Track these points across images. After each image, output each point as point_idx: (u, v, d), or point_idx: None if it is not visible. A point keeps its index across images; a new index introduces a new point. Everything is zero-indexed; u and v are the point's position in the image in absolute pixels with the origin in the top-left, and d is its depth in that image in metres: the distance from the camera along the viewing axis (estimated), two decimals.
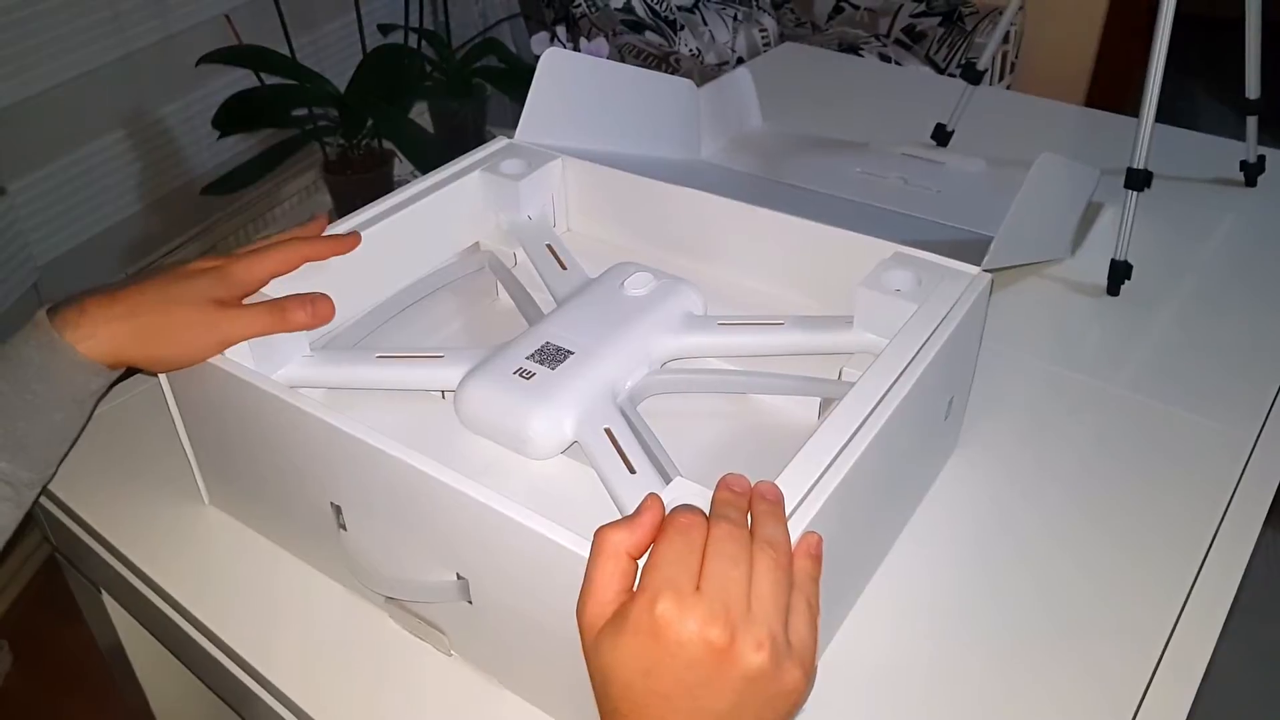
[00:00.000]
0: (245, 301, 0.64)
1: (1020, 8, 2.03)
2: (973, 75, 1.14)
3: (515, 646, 0.57)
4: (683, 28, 2.38)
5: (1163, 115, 0.93)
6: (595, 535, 0.45)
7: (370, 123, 1.81)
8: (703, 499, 0.48)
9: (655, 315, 0.68)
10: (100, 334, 0.59)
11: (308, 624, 0.65)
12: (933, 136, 1.17)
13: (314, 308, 0.65)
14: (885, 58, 2.28)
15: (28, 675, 1.55)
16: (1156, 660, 0.61)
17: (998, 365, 0.82)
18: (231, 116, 1.76)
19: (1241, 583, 0.66)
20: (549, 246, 0.78)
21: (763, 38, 2.46)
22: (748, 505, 0.47)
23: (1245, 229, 1.03)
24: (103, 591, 0.81)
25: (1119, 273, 0.92)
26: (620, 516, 0.47)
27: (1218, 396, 0.81)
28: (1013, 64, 2.38)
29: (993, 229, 0.68)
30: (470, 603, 0.56)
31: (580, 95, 0.86)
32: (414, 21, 1.92)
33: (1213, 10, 1.66)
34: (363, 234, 0.72)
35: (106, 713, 1.45)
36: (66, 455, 0.64)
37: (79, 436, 0.64)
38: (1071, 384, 0.83)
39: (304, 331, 0.66)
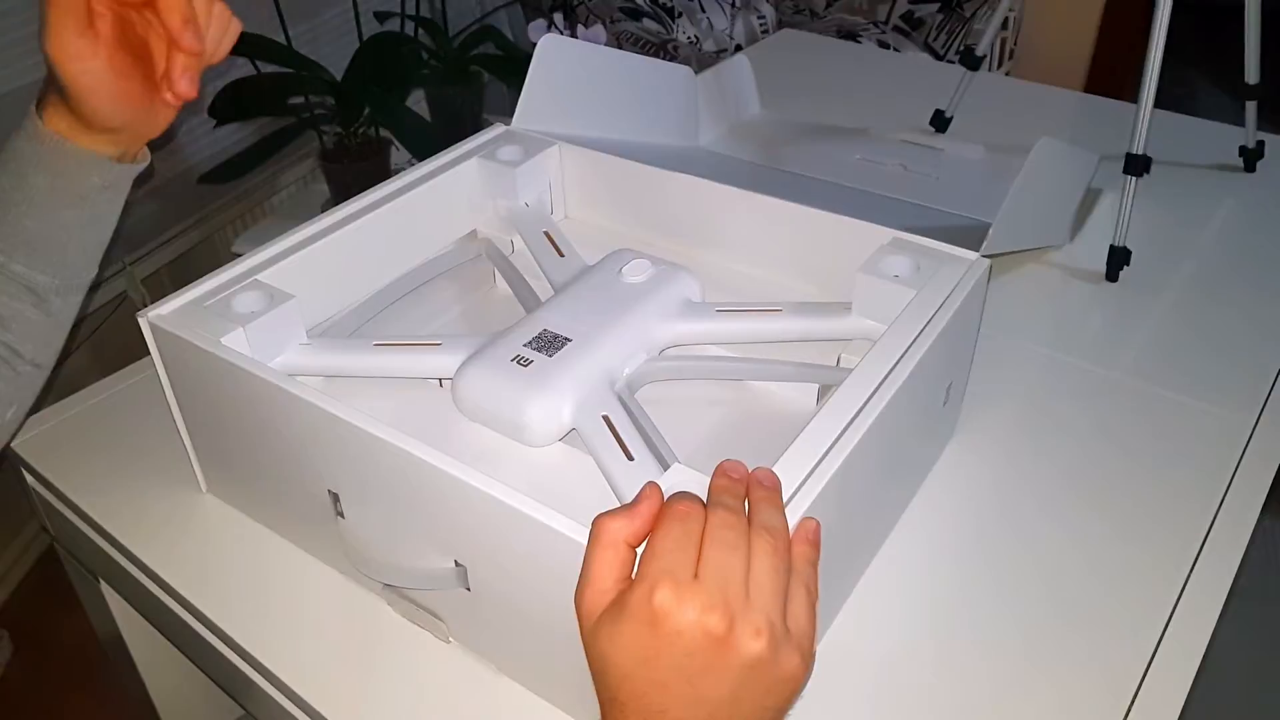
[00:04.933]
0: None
1: None
2: (971, 61, 1.13)
3: (514, 634, 0.57)
4: (680, 15, 2.37)
5: (1162, 101, 0.92)
6: (593, 523, 0.45)
7: (367, 111, 1.80)
8: (700, 486, 0.48)
9: (653, 302, 0.68)
10: (55, 110, 0.58)
11: (306, 612, 0.65)
12: (931, 123, 1.17)
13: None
14: (884, 44, 2.27)
15: (27, 665, 1.56)
16: (1155, 643, 0.61)
17: (996, 351, 0.82)
18: (228, 105, 1.75)
19: (1240, 567, 0.66)
20: (546, 233, 0.78)
21: (761, 25, 2.45)
22: (745, 492, 0.47)
23: (1244, 214, 1.03)
24: (101, 581, 0.81)
25: (1118, 258, 0.92)
26: (618, 504, 0.47)
27: (1216, 382, 0.81)
28: (1011, 50, 2.37)
29: (991, 215, 0.67)
30: (468, 590, 0.56)
31: (577, 82, 0.86)
32: (411, 9, 1.91)
33: None
34: (360, 222, 0.72)
35: (106, 702, 1.45)
36: (96, 270, 0.61)
37: (102, 247, 0.61)
38: (1070, 370, 0.83)
39: (301, 320, 0.66)
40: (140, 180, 0.67)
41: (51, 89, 0.60)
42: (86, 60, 0.59)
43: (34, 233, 0.58)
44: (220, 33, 0.62)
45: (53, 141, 0.57)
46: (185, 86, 0.61)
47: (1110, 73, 2.40)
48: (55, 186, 0.58)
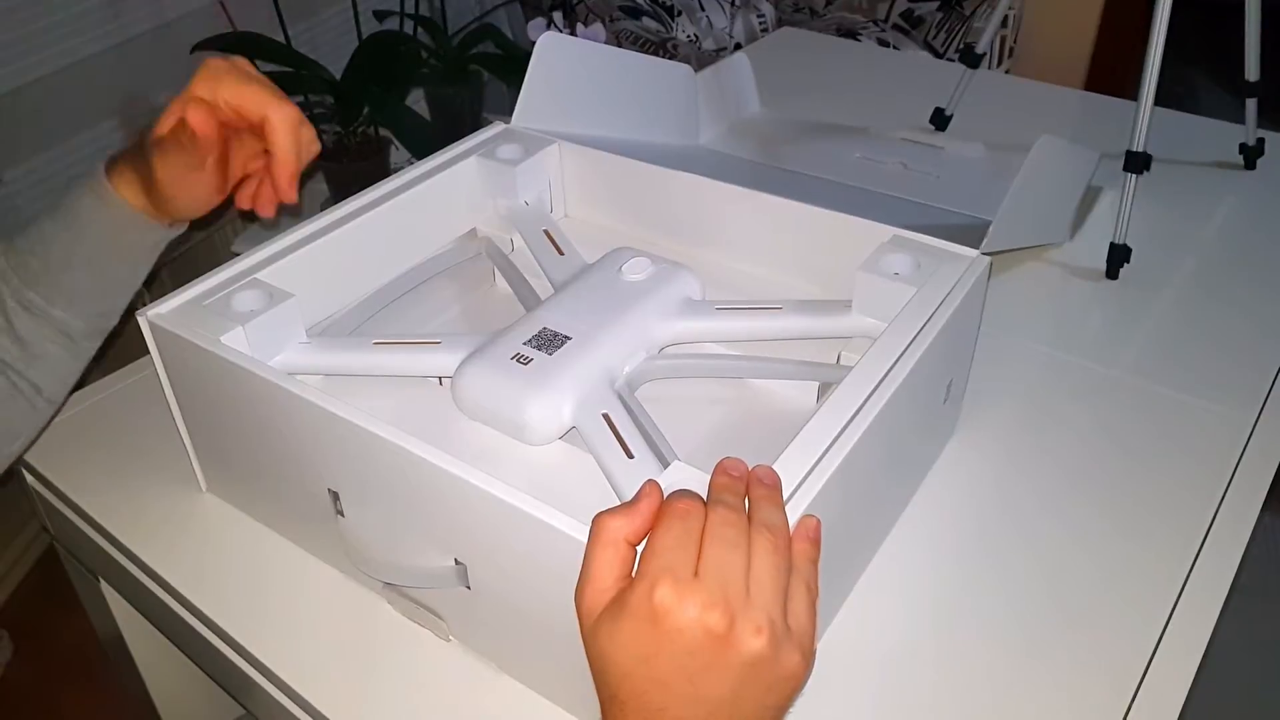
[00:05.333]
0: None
1: None
2: (971, 59, 1.13)
3: (514, 632, 0.57)
4: (680, 13, 2.37)
5: (1162, 99, 0.92)
6: (593, 521, 0.45)
7: (366, 110, 1.80)
8: (701, 484, 0.48)
9: (653, 300, 0.68)
10: (129, 180, 0.63)
11: (306, 610, 0.65)
12: (931, 121, 1.17)
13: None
14: (883, 43, 2.27)
15: (28, 665, 1.56)
16: (1156, 640, 0.61)
17: (997, 349, 0.82)
18: None
19: (1241, 564, 0.66)
20: (546, 232, 0.78)
21: (760, 23, 2.45)
22: (745, 490, 0.47)
23: (1244, 212, 1.03)
24: (101, 580, 0.81)
25: (1118, 256, 0.92)
26: (618, 502, 0.47)
27: (1217, 379, 0.81)
28: (1011, 48, 2.37)
29: (992, 213, 0.67)
30: (468, 588, 0.56)
31: (577, 81, 0.86)
32: (410, 8, 1.91)
33: None
34: (359, 220, 0.72)
35: (106, 701, 1.45)
36: (123, 312, 0.66)
37: (135, 295, 0.66)
38: (1071, 368, 0.82)
39: (300, 318, 0.66)
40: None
41: (132, 167, 0.64)
42: (195, 189, 0.65)
43: (82, 284, 0.63)
44: (308, 155, 0.69)
45: (119, 207, 0.62)
46: (273, 211, 0.69)
47: (1110, 70, 2.40)
48: (112, 246, 0.63)
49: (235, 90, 0.64)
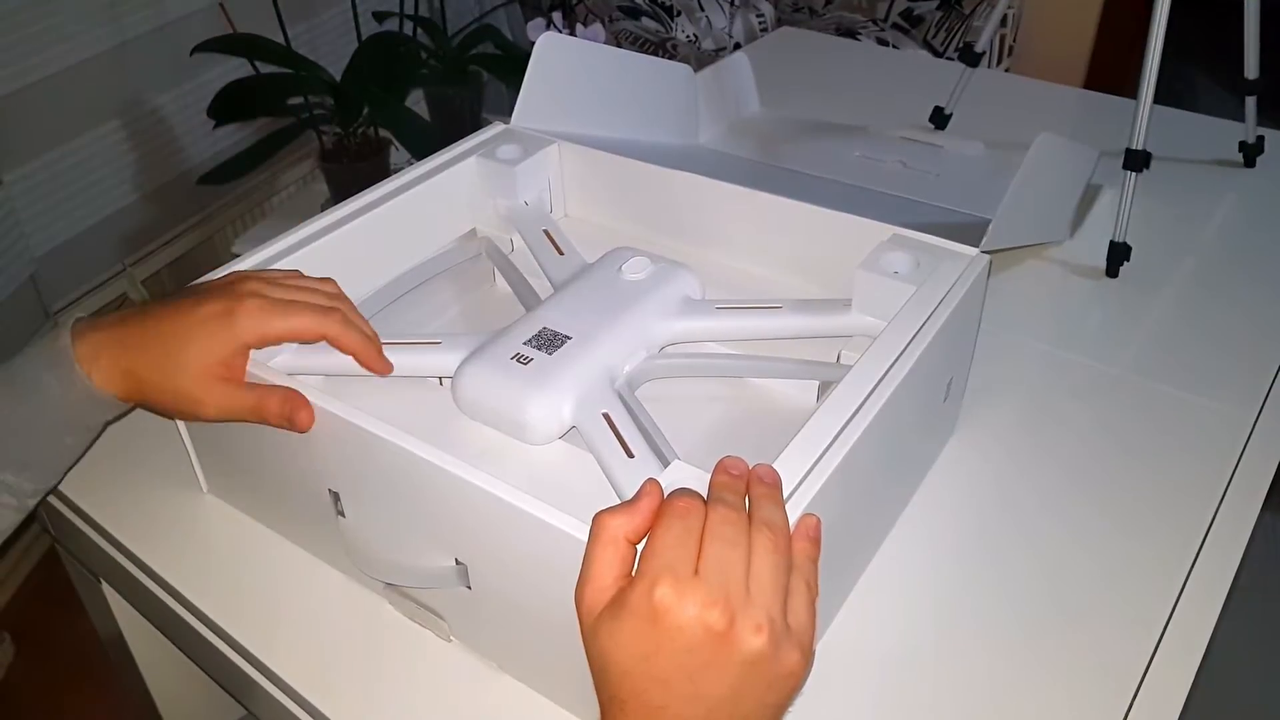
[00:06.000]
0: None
1: None
2: (971, 58, 1.13)
3: (515, 632, 0.57)
4: (679, 13, 2.37)
5: (1161, 97, 0.92)
6: (594, 520, 0.45)
7: (366, 110, 1.80)
8: (701, 483, 0.48)
9: (653, 300, 0.68)
10: (111, 375, 0.59)
11: (307, 611, 0.65)
12: (931, 120, 1.17)
13: (292, 412, 0.58)
14: (883, 42, 2.27)
15: (29, 667, 1.56)
16: (1157, 640, 0.61)
17: (997, 348, 0.82)
18: (227, 105, 1.75)
19: (1241, 563, 0.66)
20: (546, 232, 0.78)
21: (760, 23, 2.45)
22: (745, 488, 0.47)
23: (1244, 210, 1.03)
24: (102, 581, 0.81)
25: (1118, 254, 0.92)
26: (618, 501, 0.47)
27: (1217, 377, 0.81)
28: (1011, 47, 2.37)
29: (991, 211, 0.67)
30: (469, 588, 0.56)
31: (577, 80, 0.86)
32: (409, 9, 1.91)
33: None
34: (359, 221, 0.72)
35: (108, 703, 1.45)
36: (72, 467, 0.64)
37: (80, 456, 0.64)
38: (1071, 366, 0.82)
39: None
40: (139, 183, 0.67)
41: (115, 359, 0.59)
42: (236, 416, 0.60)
43: (34, 454, 0.61)
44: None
45: (83, 387, 0.58)
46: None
47: (1110, 69, 2.40)
48: (70, 420, 0.60)
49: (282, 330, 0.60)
